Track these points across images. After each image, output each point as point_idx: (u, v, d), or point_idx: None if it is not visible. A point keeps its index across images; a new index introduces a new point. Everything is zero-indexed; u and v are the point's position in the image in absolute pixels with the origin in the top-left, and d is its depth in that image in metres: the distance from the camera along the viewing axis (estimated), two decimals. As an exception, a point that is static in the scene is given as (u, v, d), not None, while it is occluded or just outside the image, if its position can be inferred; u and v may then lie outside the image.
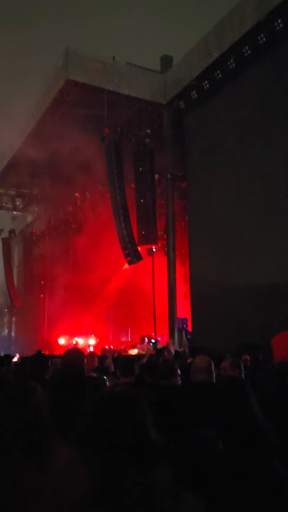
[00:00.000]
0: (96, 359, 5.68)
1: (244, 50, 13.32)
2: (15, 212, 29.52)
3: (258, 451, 1.72)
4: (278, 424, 1.92)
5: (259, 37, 12.83)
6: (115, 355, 8.93)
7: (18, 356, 12.69)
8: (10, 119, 24.82)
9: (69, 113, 17.22)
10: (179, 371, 3.40)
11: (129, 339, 21.76)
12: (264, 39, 12.75)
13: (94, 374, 4.00)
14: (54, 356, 6.76)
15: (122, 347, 19.31)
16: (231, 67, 13.91)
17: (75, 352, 3.36)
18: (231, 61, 13.79)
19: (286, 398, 2.43)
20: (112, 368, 5.08)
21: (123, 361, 3.63)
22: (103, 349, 16.98)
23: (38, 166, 21.10)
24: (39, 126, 18.58)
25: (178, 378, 3.35)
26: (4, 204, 27.97)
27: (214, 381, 3.15)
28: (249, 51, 13.24)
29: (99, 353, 11.44)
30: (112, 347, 19.00)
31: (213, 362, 3.34)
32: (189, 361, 5.08)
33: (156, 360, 5.74)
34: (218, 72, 14.35)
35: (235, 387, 2.02)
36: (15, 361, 8.44)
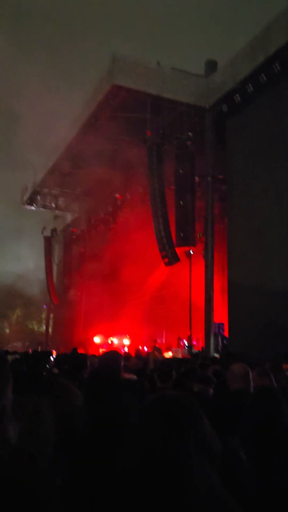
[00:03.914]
0: (141, 362, 5.78)
1: (290, 53, 13.09)
2: (57, 211, 30.27)
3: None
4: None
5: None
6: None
7: (54, 353, 13.03)
8: (57, 122, 25.55)
9: (113, 116, 17.51)
10: (215, 379, 3.42)
11: (163, 341, 21.80)
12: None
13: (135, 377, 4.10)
14: (90, 356, 6.91)
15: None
16: (276, 70, 13.70)
17: (113, 355, 3.50)
18: (276, 64, 13.58)
19: None
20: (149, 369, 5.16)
21: (162, 366, 3.70)
22: (137, 350, 17.13)
23: (81, 167, 21.56)
24: (84, 128, 19.02)
25: (212, 386, 3.38)
26: (47, 203, 28.74)
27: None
28: (295, 55, 13.01)
29: (133, 354, 11.60)
30: (146, 348, 19.15)
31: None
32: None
33: (193, 365, 5.77)
34: (263, 75, 14.16)
35: (266, 395, 2.02)
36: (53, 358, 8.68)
